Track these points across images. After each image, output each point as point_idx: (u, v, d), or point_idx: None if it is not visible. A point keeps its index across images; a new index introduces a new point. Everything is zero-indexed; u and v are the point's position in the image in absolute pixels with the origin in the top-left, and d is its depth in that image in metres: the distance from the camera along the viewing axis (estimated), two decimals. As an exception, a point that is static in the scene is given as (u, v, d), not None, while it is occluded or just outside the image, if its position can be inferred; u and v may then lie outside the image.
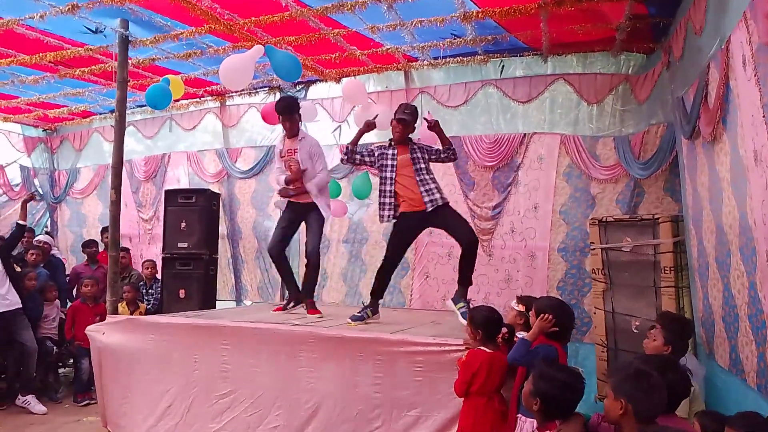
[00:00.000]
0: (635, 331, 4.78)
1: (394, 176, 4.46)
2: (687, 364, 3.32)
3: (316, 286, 5.44)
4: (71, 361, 7.10)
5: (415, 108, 4.68)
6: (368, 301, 4.64)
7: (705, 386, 3.65)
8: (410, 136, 4.61)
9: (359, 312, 4.47)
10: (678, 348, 3.35)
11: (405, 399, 3.60)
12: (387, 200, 4.45)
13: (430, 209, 4.34)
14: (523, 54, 6.21)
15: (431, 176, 4.48)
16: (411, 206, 4.41)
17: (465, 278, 4.44)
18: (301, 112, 5.13)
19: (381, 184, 4.53)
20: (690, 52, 4.20)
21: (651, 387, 2.28)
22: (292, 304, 5.23)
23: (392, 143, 4.57)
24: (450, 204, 4.52)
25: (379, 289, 4.61)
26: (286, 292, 5.58)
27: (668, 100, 5.11)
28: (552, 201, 6.13)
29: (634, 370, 2.36)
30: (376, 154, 4.59)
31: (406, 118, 4.49)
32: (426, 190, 4.38)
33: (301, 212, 5.09)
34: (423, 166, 4.48)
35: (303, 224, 5.16)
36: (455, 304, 4.28)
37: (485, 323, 3.38)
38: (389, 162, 4.49)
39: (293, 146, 5.03)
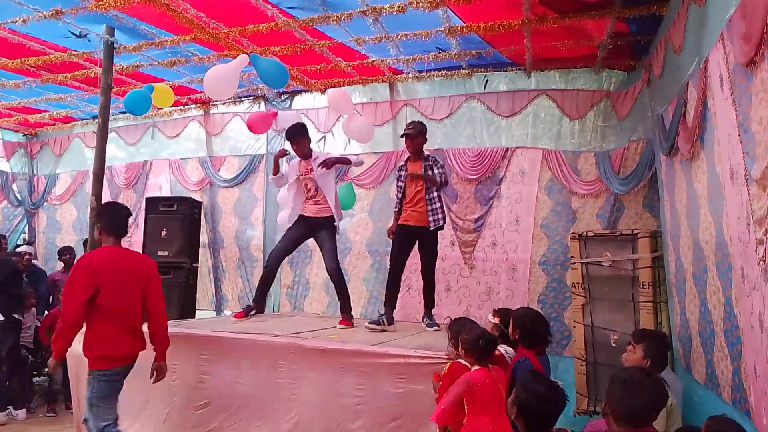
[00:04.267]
0: (614, 345, 4.82)
1: (402, 195, 4.94)
2: (664, 379, 3.36)
3: (298, 297, 5.47)
4: (46, 369, 6.97)
5: (418, 122, 5.02)
6: (383, 311, 4.87)
7: (682, 401, 3.69)
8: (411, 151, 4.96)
9: (377, 318, 4.75)
10: (657, 362, 3.39)
11: (387, 410, 3.58)
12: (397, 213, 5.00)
13: (432, 228, 4.76)
14: (506, 69, 6.30)
15: (438, 194, 4.84)
16: (410, 220, 4.83)
17: (428, 300, 5.03)
18: (284, 121, 5.26)
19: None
20: (669, 70, 4.28)
21: (632, 388, 2.31)
22: (253, 312, 5.25)
23: (407, 160, 5.00)
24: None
25: (389, 297, 4.90)
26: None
27: (648, 117, 5.20)
28: (533, 214, 6.19)
29: (620, 378, 2.40)
30: (397, 177, 5.07)
31: (408, 132, 4.87)
32: (431, 210, 4.76)
33: (312, 227, 5.14)
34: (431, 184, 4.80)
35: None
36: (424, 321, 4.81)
37: (476, 341, 3.15)
38: (401, 184, 4.98)
39: (308, 166, 5.16)
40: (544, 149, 6.18)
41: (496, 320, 4.14)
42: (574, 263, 5.27)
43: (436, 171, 4.79)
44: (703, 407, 3.51)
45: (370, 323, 4.64)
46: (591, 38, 5.29)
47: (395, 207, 5.07)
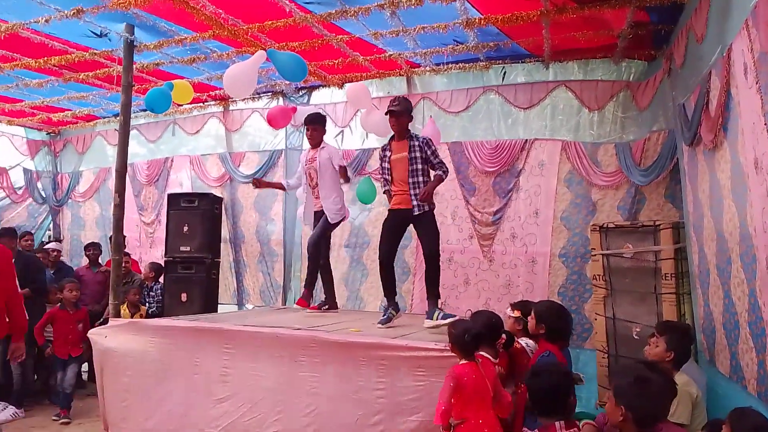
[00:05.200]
0: (636, 337, 4.78)
1: (389, 177, 4.58)
2: (688, 371, 3.33)
3: (318, 290, 5.51)
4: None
5: (403, 98, 4.63)
6: (386, 303, 4.63)
7: (706, 393, 3.65)
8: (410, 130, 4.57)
9: (384, 315, 4.50)
10: (680, 354, 3.35)
11: (407, 405, 3.58)
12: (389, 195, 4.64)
13: (416, 213, 4.38)
14: (524, 60, 6.25)
15: (425, 179, 4.43)
16: (399, 204, 4.48)
17: (430, 291, 4.44)
18: (299, 114, 5.36)
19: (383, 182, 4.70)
20: (691, 59, 4.22)
21: (651, 394, 2.29)
22: (326, 307, 5.41)
23: (391, 139, 4.60)
24: (433, 211, 4.52)
25: (386, 288, 4.61)
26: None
27: (669, 107, 5.13)
28: (553, 207, 6.15)
29: (634, 377, 2.37)
30: (381, 156, 4.66)
31: (393, 109, 4.47)
32: (415, 195, 4.38)
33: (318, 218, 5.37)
34: (419, 166, 4.42)
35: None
36: (431, 318, 4.24)
37: (462, 335, 3.09)
38: (386, 165, 4.59)
39: (314, 155, 5.32)
40: (563, 141, 6.13)
41: (517, 314, 4.13)
42: (595, 255, 5.24)
43: (429, 155, 4.41)
44: (727, 400, 3.47)
45: (380, 323, 4.41)
46: (611, 28, 5.22)
47: (383, 189, 4.73)
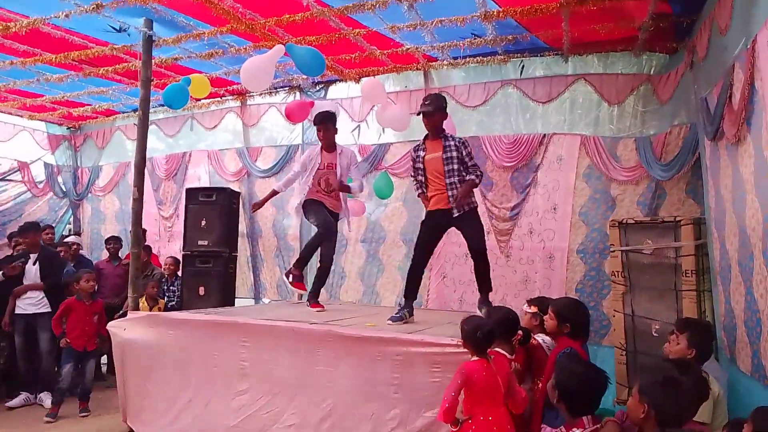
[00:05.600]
0: (655, 334, 4.73)
1: (423, 178, 4.45)
2: (708, 369, 3.28)
3: (334, 285, 5.52)
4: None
5: (436, 96, 4.50)
6: (402, 302, 4.55)
7: (726, 392, 3.60)
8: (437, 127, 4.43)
9: (397, 312, 4.40)
10: (702, 352, 3.30)
11: (422, 400, 3.58)
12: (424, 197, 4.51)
13: (456, 215, 4.29)
14: (543, 54, 6.19)
15: (461, 179, 4.31)
16: (437, 204, 4.38)
17: (482, 285, 4.39)
18: (317, 108, 5.28)
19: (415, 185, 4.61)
20: (714, 51, 4.14)
21: (678, 394, 2.26)
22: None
23: (425, 138, 4.49)
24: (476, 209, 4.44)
25: (409, 288, 4.52)
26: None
27: (691, 101, 5.04)
28: (571, 202, 6.09)
29: (663, 376, 2.34)
30: (413, 157, 4.52)
31: (424, 110, 4.37)
32: (452, 194, 4.27)
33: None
34: (455, 166, 4.31)
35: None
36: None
37: (473, 332, 3.07)
38: (419, 165, 4.46)
39: (332, 161, 5.14)
40: (581, 135, 6.06)
41: (534, 309, 4.10)
42: (614, 251, 5.18)
43: (465, 155, 4.31)
44: (749, 398, 3.41)
45: (391, 319, 4.32)
46: (631, 20, 5.15)
47: (417, 192, 4.60)
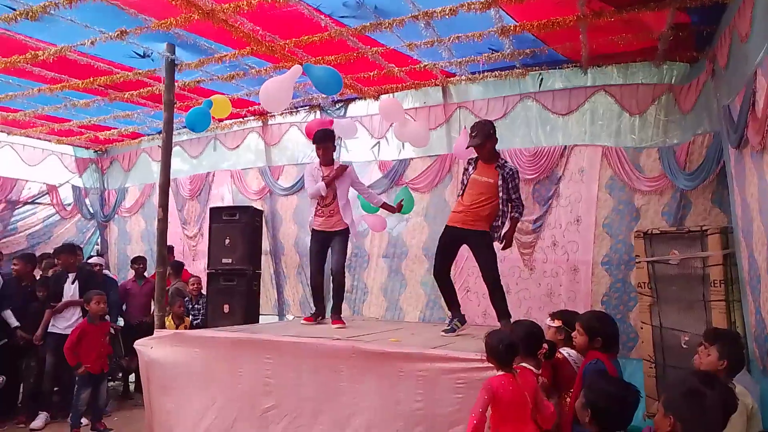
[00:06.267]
0: (684, 346, 4.64)
1: (462, 192, 4.61)
2: (740, 381, 3.20)
3: (357, 301, 5.51)
4: (120, 374, 7.30)
5: (482, 124, 4.59)
6: (450, 315, 4.72)
7: (760, 405, 3.51)
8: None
9: (448, 325, 4.59)
10: (734, 363, 3.21)
11: (447, 416, 3.55)
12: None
13: (468, 229, 4.46)
14: (562, 66, 6.17)
15: (500, 210, 4.47)
16: (455, 222, 4.53)
17: (500, 313, 4.48)
18: (339, 129, 5.31)
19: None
20: (736, 59, 4.10)
21: (704, 407, 2.20)
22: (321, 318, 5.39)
23: (478, 158, 4.59)
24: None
25: (446, 300, 4.72)
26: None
27: (714, 110, 4.99)
28: (594, 214, 6.03)
29: (687, 389, 2.29)
30: (465, 167, 4.73)
31: (472, 144, 4.48)
32: (475, 216, 4.45)
33: (329, 239, 5.27)
34: (502, 196, 4.44)
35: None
36: None
37: (497, 345, 3.05)
38: (464, 179, 4.65)
39: (330, 173, 5.22)
40: (603, 146, 6.01)
41: (558, 323, 4.05)
42: (639, 262, 5.11)
43: (511, 187, 4.44)
44: (783, 411, 3.33)
45: (444, 332, 4.50)
46: (650, 31, 5.12)
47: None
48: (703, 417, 2.19)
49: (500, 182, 4.43)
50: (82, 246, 8.71)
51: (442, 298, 4.85)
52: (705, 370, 3.02)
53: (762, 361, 3.92)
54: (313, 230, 5.35)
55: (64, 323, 6.06)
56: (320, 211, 5.24)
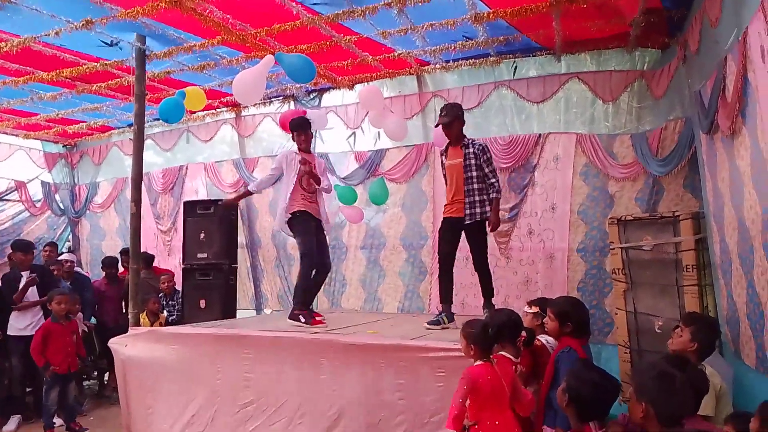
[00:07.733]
0: (658, 331, 4.71)
1: (446, 183, 4.74)
2: (712, 364, 3.25)
3: (335, 293, 5.48)
4: (95, 373, 7.17)
5: (451, 106, 4.75)
6: (440, 308, 4.72)
7: (732, 386, 3.58)
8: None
9: (435, 317, 4.57)
10: (705, 346, 3.27)
11: (428, 405, 3.57)
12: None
13: (467, 222, 4.52)
14: (535, 54, 6.18)
15: (480, 186, 4.54)
16: (451, 212, 4.62)
17: (485, 292, 4.68)
18: (311, 120, 5.25)
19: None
20: (706, 45, 4.14)
21: (674, 389, 2.22)
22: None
23: (448, 144, 4.72)
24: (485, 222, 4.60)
25: (442, 293, 4.71)
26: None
27: (685, 95, 5.04)
28: (569, 201, 6.07)
29: (657, 372, 2.31)
30: (441, 161, 4.82)
31: (442, 122, 4.62)
32: (469, 202, 4.51)
33: (319, 227, 5.14)
34: (474, 173, 4.53)
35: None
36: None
37: (482, 333, 3.03)
38: (443, 171, 4.79)
39: (311, 161, 5.12)
40: (577, 134, 6.05)
41: (535, 310, 4.09)
42: (614, 249, 5.16)
43: (483, 162, 4.52)
44: (754, 392, 3.39)
45: (429, 323, 4.45)
46: (623, 16, 5.14)
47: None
48: (674, 398, 2.21)
49: (472, 159, 4.53)
50: (56, 242, 8.53)
51: (438, 291, 4.78)
52: (674, 354, 3.07)
53: (734, 344, 3.99)
54: (303, 212, 5.00)
55: (23, 323, 5.89)
56: (308, 197, 5.02)
